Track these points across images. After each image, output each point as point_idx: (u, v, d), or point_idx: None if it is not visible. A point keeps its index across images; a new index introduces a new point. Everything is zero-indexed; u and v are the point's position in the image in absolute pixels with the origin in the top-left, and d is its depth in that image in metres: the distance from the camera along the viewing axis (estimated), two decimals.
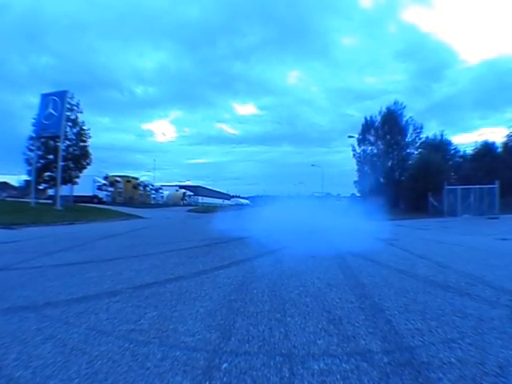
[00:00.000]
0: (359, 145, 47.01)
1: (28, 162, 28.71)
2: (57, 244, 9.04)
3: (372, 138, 46.35)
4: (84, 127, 30.82)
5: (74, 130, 30.23)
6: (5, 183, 63.89)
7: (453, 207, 29.36)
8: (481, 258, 7.60)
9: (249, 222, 18.41)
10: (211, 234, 12.64)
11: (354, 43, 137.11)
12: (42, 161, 28.70)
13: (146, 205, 52.14)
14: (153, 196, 65.05)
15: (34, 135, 28.29)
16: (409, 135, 44.86)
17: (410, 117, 44.84)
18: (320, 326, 3.53)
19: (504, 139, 43.14)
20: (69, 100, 28.81)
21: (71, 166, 29.89)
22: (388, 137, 44.98)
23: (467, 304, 4.25)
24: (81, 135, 30.52)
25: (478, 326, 3.52)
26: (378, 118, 46.13)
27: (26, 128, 29.60)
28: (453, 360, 2.76)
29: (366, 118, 47.02)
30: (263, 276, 5.80)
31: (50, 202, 29.20)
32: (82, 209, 27.87)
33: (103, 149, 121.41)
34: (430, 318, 3.75)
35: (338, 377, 2.54)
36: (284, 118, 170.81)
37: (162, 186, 78.07)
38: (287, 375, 2.56)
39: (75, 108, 30.15)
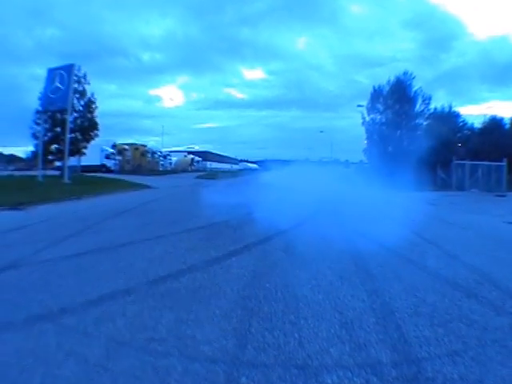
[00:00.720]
0: (368, 113, 46.71)
1: (35, 135, 28.61)
2: (65, 227, 8.97)
3: (381, 107, 45.98)
4: (92, 99, 30.64)
5: (82, 102, 30.04)
6: (12, 156, 63.82)
7: (461, 181, 29.19)
8: (489, 249, 7.44)
9: (257, 191, 18.39)
10: (220, 208, 12.46)
11: (363, 11, 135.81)
12: (49, 134, 28.51)
13: (154, 172, 51.80)
14: (161, 163, 64.73)
15: (40, 109, 28.16)
16: (417, 106, 44.48)
17: (419, 87, 44.37)
18: (333, 331, 3.57)
19: None
20: (76, 72, 28.53)
21: (79, 137, 29.75)
22: (397, 106, 44.51)
23: (474, 308, 4.25)
24: (89, 107, 30.35)
25: (481, 336, 3.54)
26: (387, 87, 45.77)
27: (33, 100, 29.47)
28: (455, 376, 2.80)
29: (374, 87, 46.51)
30: (275, 265, 5.81)
31: (57, 173, 29.09)
32: (89, 180, 27.78)
33: (110, 115, 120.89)
34: (438, 324, 3.78)
35: None
36: (292, 83, 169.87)
37: (170, 151, 77.82)
38: None
39: (82, 80, 29.90)
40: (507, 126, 42.12)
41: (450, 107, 45.50)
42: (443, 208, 16.75)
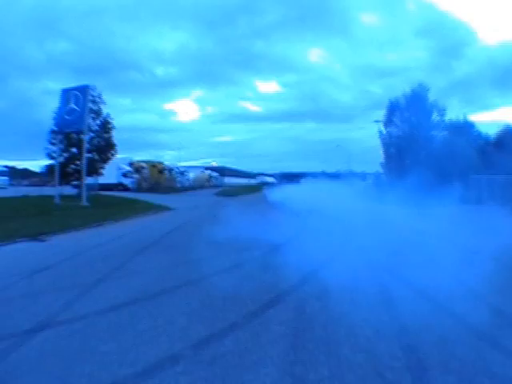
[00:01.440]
0: (385, 127, 46.91)
1: (50, 156, 28.81)
2: (92, 268, 8.83)
3: (397, 120, 46.13)
4: (108, 119, 30.79)
5: (98, 122, 30.18)
6: (26, 170, 64.16)
7: (479, 195, 28.96)
8: None
9: (275, 215, 18.35)
10: (245, 240, 12.30)
11: (374, 20, 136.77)
12: (64, 154, 28.74)
13: (172, 189, 52.23)
14: (178, 179, 65.00)
15: (55, 129, 28.32)
16: (433, 117, 44.54)
17: (435, 99, 44.49)
18: None
19: None
20: (90, 92, 28.70)
21: (96, 157, 29.91)
22: (413, 119, 44.76)
23: None
24: (105, 126, 30.50)
25: None
26: (403, 100, 45.92)
27: (45, 115, 30.02)
28: None
29: (390, 100, 46.84)
30: (313, 319, 5.66)
31: (73, 192, 29.33)
32: (107, 202, 27.95)
33: (126, 130, 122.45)
34: None
35: None
36: (307, 95, 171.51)
37: (187, 167, 78.32)
38: None
39: (97, 99, 30.08)
40: None
41: (465, 118, 45.61)
42: (466, 228, 16.47)
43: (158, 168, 58.18)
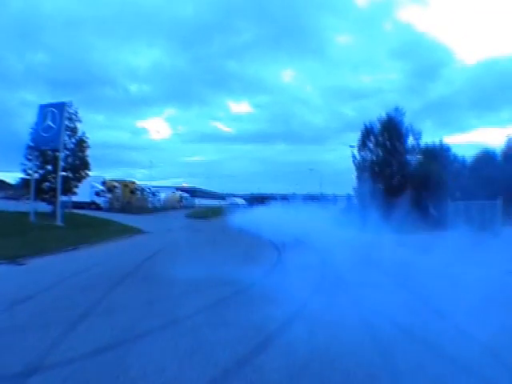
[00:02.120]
0: (358, 151, 47.17)
1: (26, 172, 28.51)
2: (73, 300, 8.59)
3: (371, 145, 46.44)
4: (84, 138, 30.56)
5: (73, 140, 29.93)
6: (1, 181, 63.38)
7: (454, 220, 29.23)
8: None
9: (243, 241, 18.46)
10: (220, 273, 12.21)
11: (349, 42, 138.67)
12: (40, 171, 28.45)
13: (143, 210, 52.20)
14: (150, 200, 65.08)
15: (31, 145, 28.03)
16: (408, 142, 45.00)
17: (410, 124, 44.95)
18: None
19: (503, 147, 43.54)
20: (67, 109, 28.51)
21: (70, 176, 29.63)
22: (387, 144, 45.04)
23: None
24: (80, 145, 30.26)
25: None
26: (377, 124, 46.28)
27: (21, 126, 29.87)
28: None
29: (365, 125, 47.12)
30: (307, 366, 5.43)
31: (48, 209, 28.94)
32: (82, 222, 27.76)
33: (98, 146, 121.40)
34: None
35: None
36: (278, 117, 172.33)
37: (159, 187, 78.74)
38: None
39: (74, 117, 29.87)
40: (499, 159, 42.58)
41: (441, 141, 46.12)
42: (439, 256, 16.57)
43: (130, 188, 58.34)
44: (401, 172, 43.19)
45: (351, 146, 47.64)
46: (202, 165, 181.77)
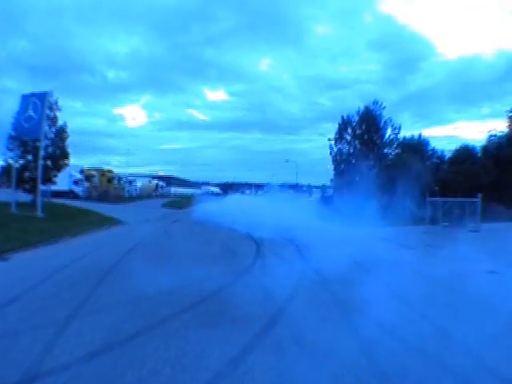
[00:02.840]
0: (335, 143, 47.34)
1: (7, 162, 28.49)
2: (60, 298, 8.68)
3: (349, 137, 46.68)
4: (64, 127, 30.46)
5: (53, 129, 29.83)
6: None
7: (433, 215, 29.62)
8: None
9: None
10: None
11: (328, 32, 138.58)
12: (20, 161, 28.38)
13: (120, 199, 52.20)
14: (127, 189, 65.19)
15: (13, 134, 27.95)
16: (387, 135, 45.28)
17: (389, 117, 45.24)
18: None
19: (483, 143, 44.14)
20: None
21: (50, 166, 29.56)
22: (365, 136, 45.35)
23: None
24: (60, 135, 30.16)
25: None
26: (356, 117, 46.50)
27: (3, 113, 29.52)
28: None
29: (342, 117, 47.44)
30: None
31: (28, 201, 28.87)
32: (61, 213, 27.96)
33: (75, 133, 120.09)
34: None
35: None
36: (254, 105, 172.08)
37: (135, 176, 78.86)
38: None
39: (54, 106, 29.74)
40: (479, 155, 43.05)
41: (420, 136, 46.54)
42: (418, 251, 16.92)
43: (107, 177, 58.52)
44: (378, 165, 43.50)
45: (329, 139, 47.79)
46: (177, 152, 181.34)
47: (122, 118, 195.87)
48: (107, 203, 44.38)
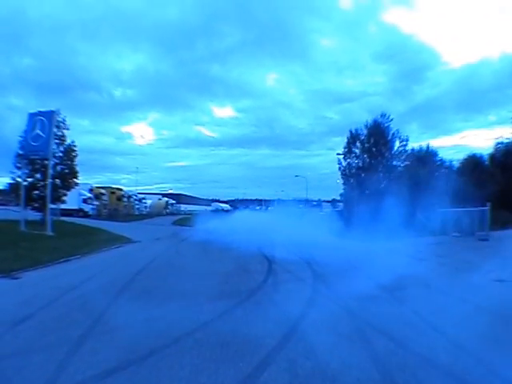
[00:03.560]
0: (344, 158, 47.30)
1: (16, 180, 28.64)
2: (72, 318, 8.59)
3: (357, 151, 46.64)
4: (72, 146, 30.62)
5: (61, 148, 29.99)
6: None
7: (442, 226, 29.50)
8: None
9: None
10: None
11: (333, 44, 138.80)
12: (29, 179, 28.50)
13: (130, 217, 52.32)
14: (136, 206, 65.39)
15: (21, 153, 28.15)
16: (395, 147, 45.17)
17: (397, 129, 45.19)
18: None
19: (491, 151, 43.88)
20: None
21: (59, 184, 29.68)
22: (374, 149, 45.25)
23: None
24: (68, 153, 30.32)
25: None
26: (364, 130, 46.48)
27: (8, 130, 29.81)
28: None
29: (351, 131, 47.40)
30: None
31: (37, 216, 29.25)
32: (71, 231, 27.75)
33: (83, 152, 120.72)
34: None
35: None
36: (262, 121, 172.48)
37: (145, 194, 79.55)
38: None
39: (61, 125, 29.90)
40: (487, 163, 42.81)
41: (428, 147, 46.36)
42: (429, 264, 16.75)
43: (116, 195, 58.95)
44: (387, 177, 43.36)
45: (338, 154, 47.72)
46: (186, 170, 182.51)
47: (129, 135, 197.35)
48: (117, 221, 44.59)
